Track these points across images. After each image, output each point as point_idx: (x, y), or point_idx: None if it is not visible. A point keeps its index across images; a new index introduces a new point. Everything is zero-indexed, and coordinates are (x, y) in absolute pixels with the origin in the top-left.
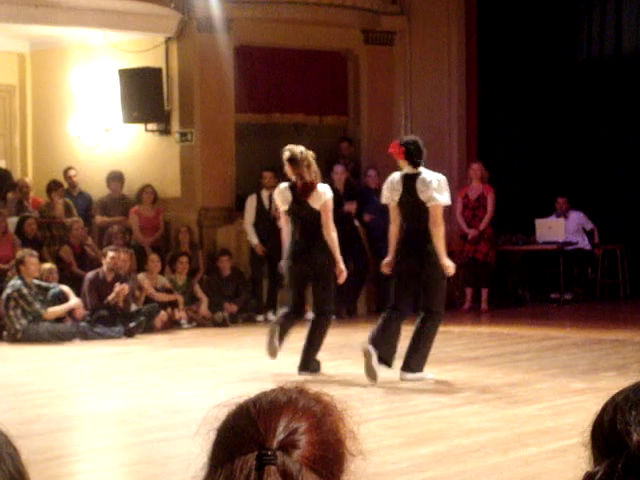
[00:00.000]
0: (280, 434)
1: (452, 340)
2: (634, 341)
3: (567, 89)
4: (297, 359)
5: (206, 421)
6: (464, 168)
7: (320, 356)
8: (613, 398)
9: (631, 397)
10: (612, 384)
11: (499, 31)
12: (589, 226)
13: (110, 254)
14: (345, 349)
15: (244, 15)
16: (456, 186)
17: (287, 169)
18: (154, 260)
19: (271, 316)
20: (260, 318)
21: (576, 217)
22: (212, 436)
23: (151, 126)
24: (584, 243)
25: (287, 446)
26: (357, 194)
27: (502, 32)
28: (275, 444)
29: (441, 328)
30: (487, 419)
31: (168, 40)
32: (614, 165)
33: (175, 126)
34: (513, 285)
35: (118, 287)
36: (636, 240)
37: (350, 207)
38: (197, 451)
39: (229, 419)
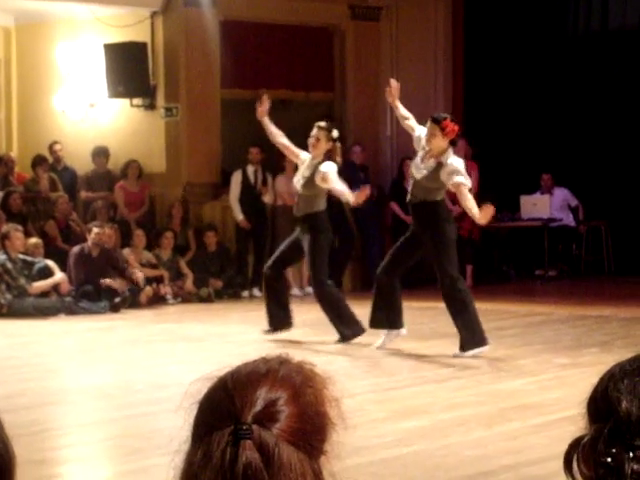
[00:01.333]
0: (257, 407)
1: (437, 316)
2: (618, 317)
3: (553, 65)
4: (285, 334)
5: (189, 394)
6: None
7: (304, 332)
8: (610, 368)
9: (626, 367)
10: (595, 360)
11: (486, 6)
12: (574, 203)
13: (95, 229)
14: (331, 324)
15: None
16: None
17: (336, 147)
18: (139, 235)
19: (256, 292)
20: (245, 294)
21: (561, 194)
22: (194, 410)
23: (136, 101)
24: (569, 220)
25: (264, 419)
26: (342, 170)
27: (489, 7)
28: (251, 418)
29: (426, 304)
30: (471, 394)
31: (154, 14)
32: (599, 142)
33: (160, 101)
34: (498, 262)
35: (116, 284)
36: (620, 217)
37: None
38: (181, 425)
39: (208, 393)
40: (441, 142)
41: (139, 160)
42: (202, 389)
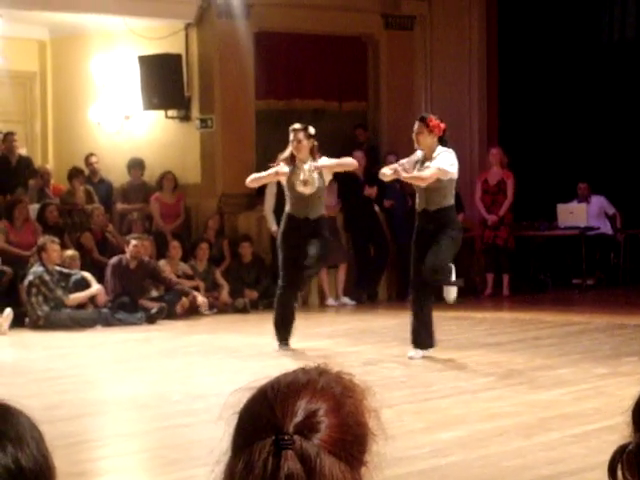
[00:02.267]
0: (298, 417)
1: (474, 326)
2: None
3: (588, 73)
4: (320, 344)
5: (228, 405)
6: (484, 153)
7: (340, 341)
8: None
9: None
10: (634, 369)
11: (520, 15)
12: (611, 211)
13: (133, 242)
14: (366, 334)
15: (263, 1)
16: (476, 171)
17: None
18: (175, 247)
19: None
20: None
21: (598, 202)
22: (233, 420)
23: (171, 112)
24: (606, 228)
25: (305, 429)
26: (377, 180)
27: (523, 16)
28: (292, 428)
29: (462, 314)
30: (509, 404)
31: (188, 26)
32: (636, 149)
33: (195, 112)
34: (535, 270)
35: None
36: None
37: (371, 191)
38: (219, 436)
39: (248, 403)
40: (428, 139)
41: (174, 171)
42: (242, 400)
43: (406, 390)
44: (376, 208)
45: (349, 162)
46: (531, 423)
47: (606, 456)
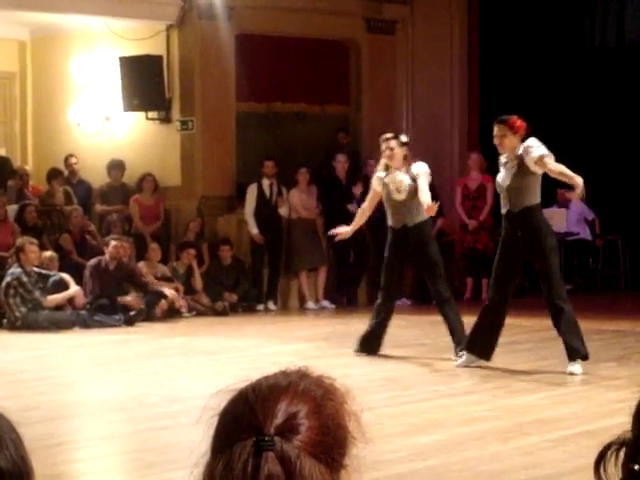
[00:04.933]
0: (278, 419)
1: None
2: (635, 331)
3: (569, 78)
4: (300, 347)
5: (208, 407)
6: (465, 158)
7: (320, 344)
8: None
9: None
10: (612, 374)
11: (501, 20)
12: (590, 216)
13: (113, 243)
14: (346, 338)
15: (245, 3)
16: (457, 176)
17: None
18: (154, 249)
19: (271, 305)
20: (260, 307)
21: (577, 207)
22: (213, 422)
23: (152, 114)
24: (585, 233)
25: (286, 431)
26: (361, 180)
27: (504, 21)
28: (273, 429)
29: (442, 318)
30: (487, 408)
31: (169, 28)
32: (615, 155)
33: (176, 114)
34: None
35: (131, 299)
36: (637, 231)
37: (357, 190)
38: (198, 438)
39: (229, 405)
40: (513, 140)
41: (154, 173)
42: (222, 402)
43: (385, 393)
44: (356, 211)
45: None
46: (509, 427)
47: (584, 461)
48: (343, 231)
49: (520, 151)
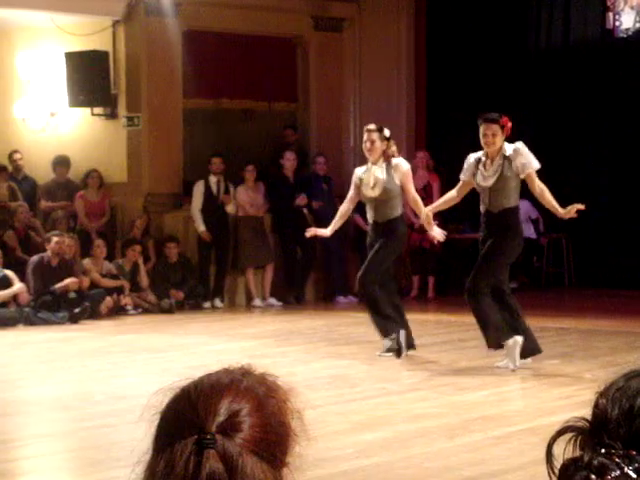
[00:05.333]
0: (220, 417)
1: None
2: (578, 329)
3: (515, 78)
4: (247, 345)
5: (150, 405)
6: (412, 156)
7: (267, 342)
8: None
9: (630, 372)
10: (556, 371)
11: (448, 19)
12: (534, 215)
13: (54, 239)
14: (293, 335)
15: None
16: None
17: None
18: (100, 245)
19: (218, 303)
20: (207, 305)
21: (522, 206)
22: (155, 421)
23: (97, 110)
24: (530, 232)
25: (227, 429)
26: (306, 181)
27: (451, 20)
28: (215, 427)
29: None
30: (433, 405)
31: (115, 23)
32: (559, 154)
33: (122, 110)
34: (460, 273)
35: (69, 280)
36: (581, 229)
37: (301, 201)
38: (141, 436)
39: (171, 403)
40: (502, 140)
41: (100, 170)
42: (164, 400)
43: (332, 391)
44: (304, 209)
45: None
46: (454, 424)
47: (527, 458)
48: (322, 233)
49: (508, 152)
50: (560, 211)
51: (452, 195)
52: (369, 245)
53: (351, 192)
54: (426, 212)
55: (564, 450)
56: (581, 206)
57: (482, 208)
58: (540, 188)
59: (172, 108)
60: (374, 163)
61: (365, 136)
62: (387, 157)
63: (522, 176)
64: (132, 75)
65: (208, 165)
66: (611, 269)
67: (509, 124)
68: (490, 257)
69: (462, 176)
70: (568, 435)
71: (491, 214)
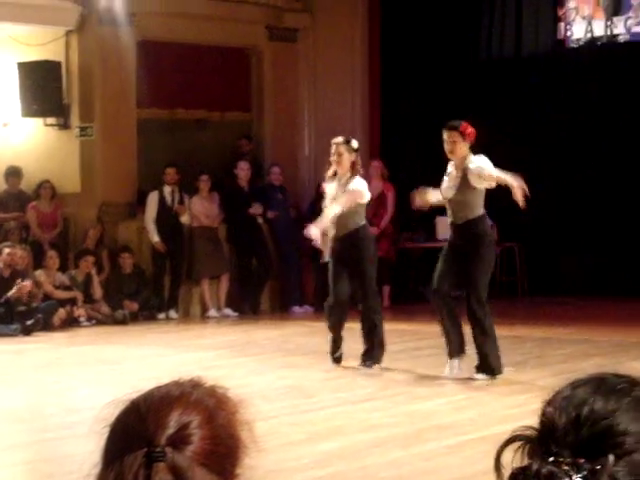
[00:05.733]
0: (170, 429)
1: (355, 337)
2: (532, 337)
3: (468, 88)
4: (202, 356)
5: (100, 418)
6: (367, 166)
7: (222, 353)
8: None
9: (576, 381)
10: (510, 380)
11: (402, 29)
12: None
13: (6, 250)
14: (248, 346)
15: (146, 9)
16: None
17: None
18: (52, 257)
19: (172, 314)
20: (161, 316)
21: None
22: (105, 434)
23: (50, 120)
24: None
25: (177, 442)
26: (261, 191)
27: (405, 30)
28: (164, 440)
29: (345, 324)
30: (388, 415)
31: (68, 33)
32: (511, 163)
33: (75, 120)
34: (414, 282)
35: (20, 284)
36: (533, 238)
37: (256, 210)
38: (92, 449)
39: (120, 416)
40: (463, 147)
41: (53, 180)
42: (114, 412)
43: (287, 401)
44: (259, 219)
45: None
46: (409, 434)
47: (480, 466)
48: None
49: (471, 165)
50: (512, 183)
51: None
52: (336, 259)
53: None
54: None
55: (512, 459)
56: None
57: (448, 219)
58: (496, 175)
59: (126, 118)
60: (341, 178)
61: (332, 149)
62: (355, 170)
63: (474, 182)
64: (85, 85)
65: (162, 175)
66: (563, 277)
67: (469, 130)
68: (468, 270)
69: None
70: (516, 444)
71: (456, 226)
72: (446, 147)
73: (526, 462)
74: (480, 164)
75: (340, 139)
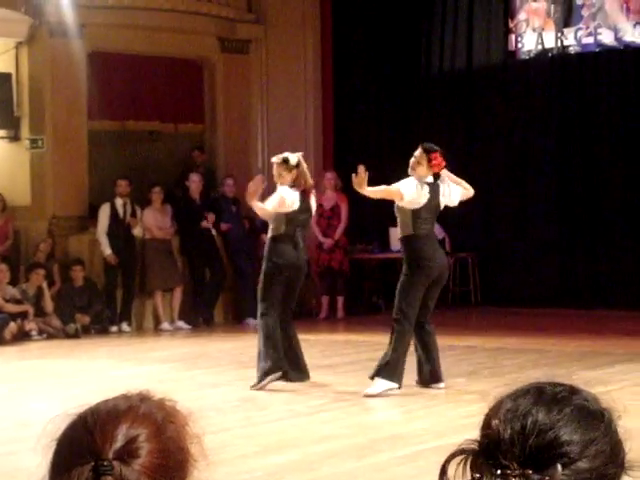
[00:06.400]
0: (117, 443)
1: (308, 348)
2: (484, 347)
3: (419, 101)
4: (155, 369)
5: (47, 432)
6: (320, 177)
7: (175, 365)
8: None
9: (512, 391)
10: (463, 389)
11: (354, 41)
12: (441, 235)
13: None
14: (201, 358)
15: (97, 21)
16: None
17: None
18: (3, 270)
19: (125, 327)
20: (114, 329)
21: None
22: (52, 447)
23: (0, 132)
24: None
25: (125, 455)
26: (213, 203)
27: (357, 42)
28: (112, 454)
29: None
30: (342, 426)
31: (19, 45)
32: (464, 176)
33: (25, 132)
34: (369, 293)
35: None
36: (486, 248)
37: (208, 221)
38: (40, 463)
39: (67, 429)
40: (424, 172)
41: (3, 193)
42: (61, 426)
43: (240, 414)
44: (212, 231)
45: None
46: (362, 444)
47: (435, 476)
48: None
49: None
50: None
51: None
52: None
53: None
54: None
55: (454, 473)
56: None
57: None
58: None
59: (77, 130)
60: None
61: (273, 169)
62: (299, 185)
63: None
64: (36, 97)
65: (114, 187)
66: (516, 287)
67: (437, 160)
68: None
69: None
70: (459, 457)
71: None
72: (411, 161)
73: (472, 476)
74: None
75: (278, 159)
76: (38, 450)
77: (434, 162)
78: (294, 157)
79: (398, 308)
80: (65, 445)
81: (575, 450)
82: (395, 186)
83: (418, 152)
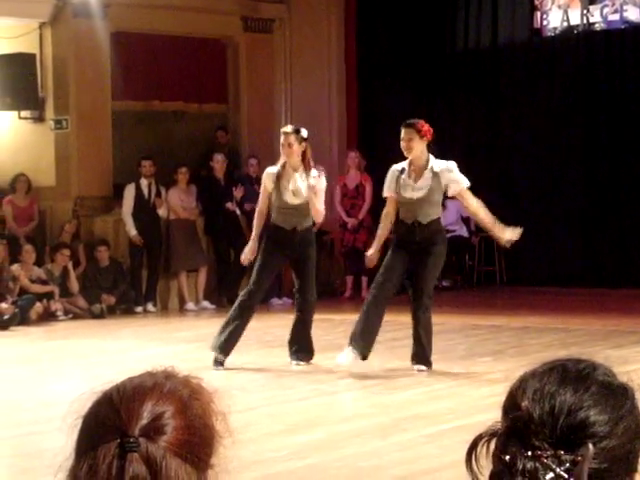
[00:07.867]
0: (143, 420)
1: (333, 328)
2: (510, 327)
3: (445, 79)
4: (180, 348)
5: (73, 410)
6: (344, 157)
7: (200, 345)
8: (526, 371)
9: (537, 369)
10: (488, 369)
11: (378, 19)
12: (466, 214)
13: None
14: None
15: (121, 1)
16: (336, 174)
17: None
18: (29, 251)
19: (150, 307)
20: (139, 309)
21: (454, 205)
22: (78, 425)
23: (25, 113)
24: (462, 231)
25: (151, 432)
26: (238, 183)
27: (381, 20)
28: (137, 431)
29: (322, 316)
30: (366, 405)
31: (42, 25)
32: (490, 154)
33: (49, 113)
34: None
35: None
36: (511, 227)
37: (238, 193)
38: (65, 442)
39: (93, 407)
40: (420, 145)
41: (28, 173)
42: (86, 404)
43: (265, 393)
44: (237, 211)
45: (321, 212)
46: (387, 424)
47: (458, 455)
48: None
49: (437, 169)
50: (499, 234)
51: (388, 216)
52: (272, 250)
53: (263, 193)
54: (371, 256)
55: (478, 453)
56: (518, 231)
57: (407, 219)
58: (475, 206)
59: (101, 110)
60: (295, 169)
61: (282, 139)
62: (307, 163)
63: (451, 194)
64: (60, 77)
65: (138, 168)
66: (541, 266)
67: (425, 128)
68: (429, 268)
69: (386, 193)
70: (483, 439)
71: (420, 224)
72: (402, 145)
73: (501, 458)
74: (455, 178)
75: (289, 128)
76: (64, 429)
77: (424, 130)
78: (304, 130)
79: (431, 289)
80: (91, 422)
81: (603, 429)
82: (465, 180)
83: (403, 132)
